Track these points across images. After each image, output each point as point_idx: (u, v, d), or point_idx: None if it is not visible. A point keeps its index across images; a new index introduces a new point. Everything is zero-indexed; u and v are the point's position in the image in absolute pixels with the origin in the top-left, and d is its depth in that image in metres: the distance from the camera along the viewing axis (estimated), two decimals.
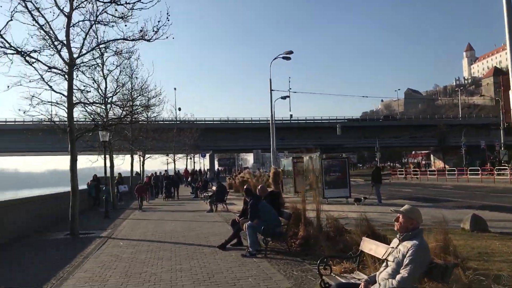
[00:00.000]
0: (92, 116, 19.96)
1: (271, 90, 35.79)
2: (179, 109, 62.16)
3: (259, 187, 10.48)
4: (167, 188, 28.24)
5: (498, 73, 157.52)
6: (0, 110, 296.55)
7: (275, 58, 35.66)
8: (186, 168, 55.74)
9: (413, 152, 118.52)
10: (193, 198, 28.08)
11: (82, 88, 16.11)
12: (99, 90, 20.80)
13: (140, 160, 36.73)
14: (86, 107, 19.12)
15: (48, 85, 13.07)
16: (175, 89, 77.69)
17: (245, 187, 10.34)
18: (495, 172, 34.91)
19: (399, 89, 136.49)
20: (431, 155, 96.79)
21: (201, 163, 79.02)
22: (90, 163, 24.46)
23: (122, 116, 19.52)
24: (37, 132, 19.65)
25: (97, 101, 19.32)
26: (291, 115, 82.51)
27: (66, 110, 13.33)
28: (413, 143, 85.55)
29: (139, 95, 23.52)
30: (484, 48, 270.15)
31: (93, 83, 20.20)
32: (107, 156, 21.59)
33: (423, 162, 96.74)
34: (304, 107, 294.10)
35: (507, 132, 61.39)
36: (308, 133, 75.43)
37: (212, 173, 61.04)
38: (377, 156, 71.92)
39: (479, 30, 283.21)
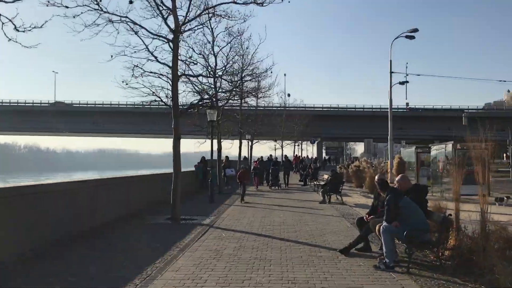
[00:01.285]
0: (198, 91, 18.79)
1: (390, 72, 32.34)
2: (289, 95, 60.57)
3: (398, 177, 7.99)
4: (274, 174, 24.68)
5: None
6: (112, 95, 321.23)
7: (397, 37, 32.18)
8: (296, 154, 54.25)
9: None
10: (302, 186, 26.30)
11: (189, 61, 14.77)
12: (208, 66, 19.70)
13: (248, 145, 35.88)
14: (192, 82, 17.99)
15: (153, 55, 11.97)
16: (285, 75, 76.73)
17: (376, 177, 8.03)
18: None
19: None
20: None
21: (308, 150, 77.07)
22: (198, 144, 23.77)
23: (231, 90, 18.26)
24: (153, 116, 19.27)
25: (204, 74, 18.07)
26: (407, 103, 76.35)
27: (170, 83, 12.14)
28: None
29: (250, 74, 21.94)
30: None
31: (200, 56, 19.14)
32: (215, 137, 20.60)
33: None
34: (419, 95, 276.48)
35: None
36: (427, 123, 69.45)
37: (320, 161, 58.94)
38: (509, 150, 63.74)
39: None
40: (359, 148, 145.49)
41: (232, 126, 29.85)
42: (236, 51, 21.69)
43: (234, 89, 19.25)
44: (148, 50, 11.89)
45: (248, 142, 35.53)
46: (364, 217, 8.03)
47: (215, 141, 20.39)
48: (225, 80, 19.41)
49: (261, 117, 33.77)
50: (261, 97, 29.86)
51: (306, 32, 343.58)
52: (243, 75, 21.65)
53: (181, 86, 21.35)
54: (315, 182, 22.72)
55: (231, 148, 34.34)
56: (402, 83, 51.15)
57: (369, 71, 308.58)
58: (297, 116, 50.90)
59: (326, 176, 23.04)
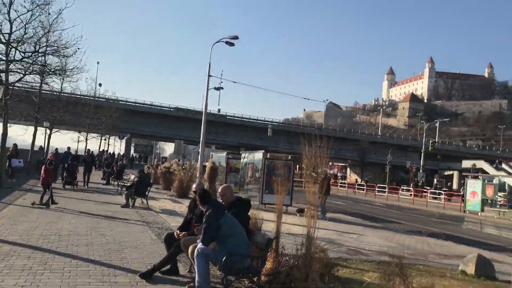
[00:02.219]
0: None
1: (209, 75, 32.10)
2: (100, 84, 55.95)
3: (223, 187, 6.65)
4: (69, 171, 19.90)
5: (414, 99, 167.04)
6: None
7: (217, 42, 32.24)
8: (102, 149, 50.28)
9: (330, 163, 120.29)
10: (104, 185, 23.68)
11: None
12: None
13: (45, 133, 31.41)
14: None
15: None
16: (98, 63, 70.34)
17: (194, 186, 6.81)
18: (428, 195, 34.25)
19: (327, 100, 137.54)
20: (348, 168, 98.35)
21: (116, 146, 73.01)
22: None
23: (31, 63, 14.98)
24: None
25: None
26: (219, 109, 78.64)
27: None
28: (335, 155, 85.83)
29: (54, 51, 18.52)
30: (404, 74, 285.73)
31: None
32: None
33: (339, 174, 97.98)
34: (231, 103, 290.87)
35: (427, 156, 62.99)
36: (235, 130, 72.66)
37: (127, 159, 55.94)
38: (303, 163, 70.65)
39: (402, 57, 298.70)
40: (169, 148, 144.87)
41: (26, 109, 25.62)
42: (41, 24, 18.22)
43: (33, 63, 16.00)
44: None
45: (45, 130, 31.11)
46: (175, 233, 6.69)
47: None
48: (20, 51, 15.95)
49: (64, 103, 29.90)
50: (66, 79, 26.11)
51: (130, 26, 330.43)
52: (46, 48, 18.06)
53: None
54: (120, 182, 20.58)
55: (24, 134, 29.48)
56: (217, 88, 52.17)
57: (191, 73, 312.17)
58: (107, 108, 47.19)
59: (132, 177, 21.16)
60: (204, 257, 5.39)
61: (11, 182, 20.10)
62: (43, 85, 24.65)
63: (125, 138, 57.51)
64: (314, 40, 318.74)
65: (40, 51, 16.91)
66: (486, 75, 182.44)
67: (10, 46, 15.98)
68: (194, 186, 6.92)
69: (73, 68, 21.42)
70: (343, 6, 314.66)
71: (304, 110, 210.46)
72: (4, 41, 15.42)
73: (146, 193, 15.28)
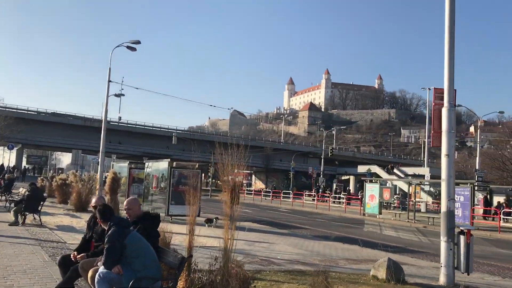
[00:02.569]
0: None
1: (109, 80, 30.53)
2: None
3: (129, 201, 5.98)
4: None
5: (313, 108, 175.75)
6: None
7: (118, 46, 30.75)
8: None
9: (236, 171, 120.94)
10: None
11: None
12: None
13: None
14: None
15: None
16: None
17: (94, 201, 6.09)
18: (330, 199, 35.62)
19: (231, 108, 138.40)
20: (253, 176, 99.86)
21: (5, 157, 66.62)
22: None
23: None
24: None
25: None
26: (119, 117, 75.35)
27: None
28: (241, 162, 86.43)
29: None
30: (303, 84, 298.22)
31: None
32: None
33: (245, 181, 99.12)
34: (132, 110, 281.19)
35: (326, 162, 65.99)
36: (139, 139, 70.12)
37: (18, 172, 51.27)
38: (210, 171, 70.23)
39: (301, 67, 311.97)
40: (65, 159, 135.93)
41: None
42: None
43: None
44: None
45: None
46: (72, 255, 5.91)
47: None
48: None
49: None
50: None
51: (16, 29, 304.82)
52: None
53: None
54: (8, 197, 18.46)
55: None
56: (117, 95, 49.84)
57: (88, 79, 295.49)
58: None
59: (23, 191, 19.22)
60: (107, 282, 4.76)
61: None
62: None
63: (16, 148, 52.71)
64: (218, 47, 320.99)
65: None
66: (376, 86, 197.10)
67: None
68: (93, 200, 6.19)
69: None
70: (247, 13, 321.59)
71: (209, 118, 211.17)
72: None
73: (39, 208, 13.82)
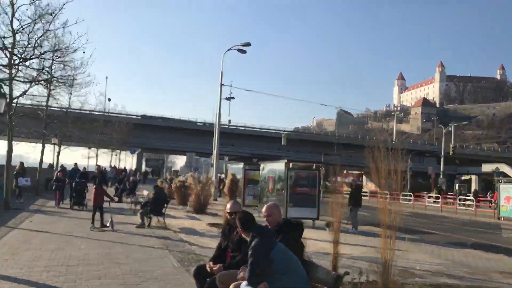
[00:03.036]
0: None
1: (221, 84, 31.17)
2: (109, 99, 55.03)
3: (268, 206, 5.18)
4: (78, 190, 17.87)
5: (426, 104, 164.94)
6: None
7: (229, 49, 31.22)
8: (114, 165, 49.15)
9: (345, 172, 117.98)
10: (116, 202, 22.33)
11: None
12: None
13: (54, 150, 30.32)
14: None
15: None
16: (106, 77, 70.20)
17: (228, 207, 5.36)
18: (457, 201, 32.57)
19: (339, 107, 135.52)
20: (364, 177, 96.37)
21: (127, 161, 72.02)
22: None
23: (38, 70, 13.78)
24: None
25: None
26: (229, 120, 77.44)
27: None
28: (349, 162, 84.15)
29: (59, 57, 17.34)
30: (414, 79, 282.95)
31: None
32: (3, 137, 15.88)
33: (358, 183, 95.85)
34: (240, 113, 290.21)
35: (445, 161, 61.14)
36: (246, 141, 71.48)
37: (141, 174, 54.97)
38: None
39: (411, 61, 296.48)
40: (179, 161, 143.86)
41: (34, 125, 24.59)
42: (47, 38, 17.08)
43: (38, 70, 14.92)
44: None
45: (54, 146, 30.04)
46: (207, 266, 5.32)
47: (3, 142, 15.61)
48: (22, 58, 14.68)
49: (73, 119, 28.81)
50: (74, 93, 25.28)
51: (131, 37, 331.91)
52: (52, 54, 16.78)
53: None
54: (133, 199, 19.25)
55: (33, 152, 28.38)
56: (228, 98, 51.10)
57: (198, 86, 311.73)
58: (116, 122, 46.22)
59: (146, 193, 19.91)
60: None
61: (19, 202, 18.95)
62: (50, 99, 23.79)
63: (136, 152, 56.58)
64: (322, 46, 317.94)
65: (44, 57, 15.71)
66: (498, 77, 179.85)
67: (14, 55, 14.81)
68: (228, 206, 5.54)
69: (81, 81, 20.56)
70: (351, 12, 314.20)
71: (314, 118, 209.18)
72: (6, 47, 14.10)
73: (163, 210, 13.97)
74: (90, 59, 15.24)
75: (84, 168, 26.45)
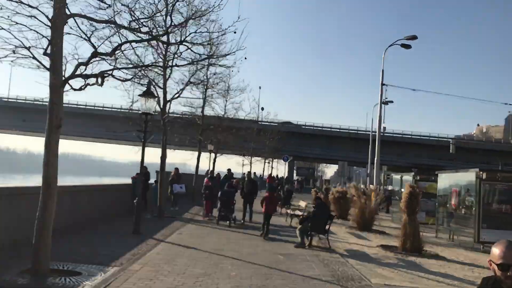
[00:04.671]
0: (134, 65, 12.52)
1: (382, 84, 27.88)
2: (262, 108, 55.12)
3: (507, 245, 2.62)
4: (224, 201, 14.62)
5: None
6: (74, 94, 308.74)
7: (391, 45, 27.75)
8: (270, 173, 48.62)
9: None
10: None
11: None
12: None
13: (210, 157, 30.31)
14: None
15: None
16: (260, 87, 71.60)
17: (498, 251, 2.78)
18: None
19: (510, 112, 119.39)
20: None
21: (279, 169, 71.93)
22: (136, 151, 18.20)
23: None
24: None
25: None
26: (384, 128, 72.10)
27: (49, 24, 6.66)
28: None
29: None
30: None
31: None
32: (156, 143, 15.21)
33: None
34: (395, 118, 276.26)
35: None
36: (404, 149, 65.76)
37: (297, 183, 54.11)
38: None
39: None
40: (329, 170, 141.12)
41: (189, 133, 24.42)
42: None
43: (193, 63, 13.89)
44: None
45: (210, 154, 30.00)
46: None
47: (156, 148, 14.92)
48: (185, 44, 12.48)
49: (227, 126, 28.29)
50: (230, 100, 24.89)
51: (285, 49, 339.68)
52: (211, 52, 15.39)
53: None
54: (288, 212, 17.10)
55: (191, 160, 28.71)
56: (385, 103, 46.93)
57: (343, 94, 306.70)
58: (269, 131, 45.71)
59: (303, 204, 17.77)
60: None
61: (174, 210, 18.40)
62: (206, 107, 23.77)
63: (289, 160, 55.72)
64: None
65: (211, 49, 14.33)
66: None
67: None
68: (499, 252, 2.81)
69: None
70: None
71: (478, 125, 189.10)
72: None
73: (326, 228, 11.49)
74: (241, 39, 13.32)
75: (231, 174, 22.77)
